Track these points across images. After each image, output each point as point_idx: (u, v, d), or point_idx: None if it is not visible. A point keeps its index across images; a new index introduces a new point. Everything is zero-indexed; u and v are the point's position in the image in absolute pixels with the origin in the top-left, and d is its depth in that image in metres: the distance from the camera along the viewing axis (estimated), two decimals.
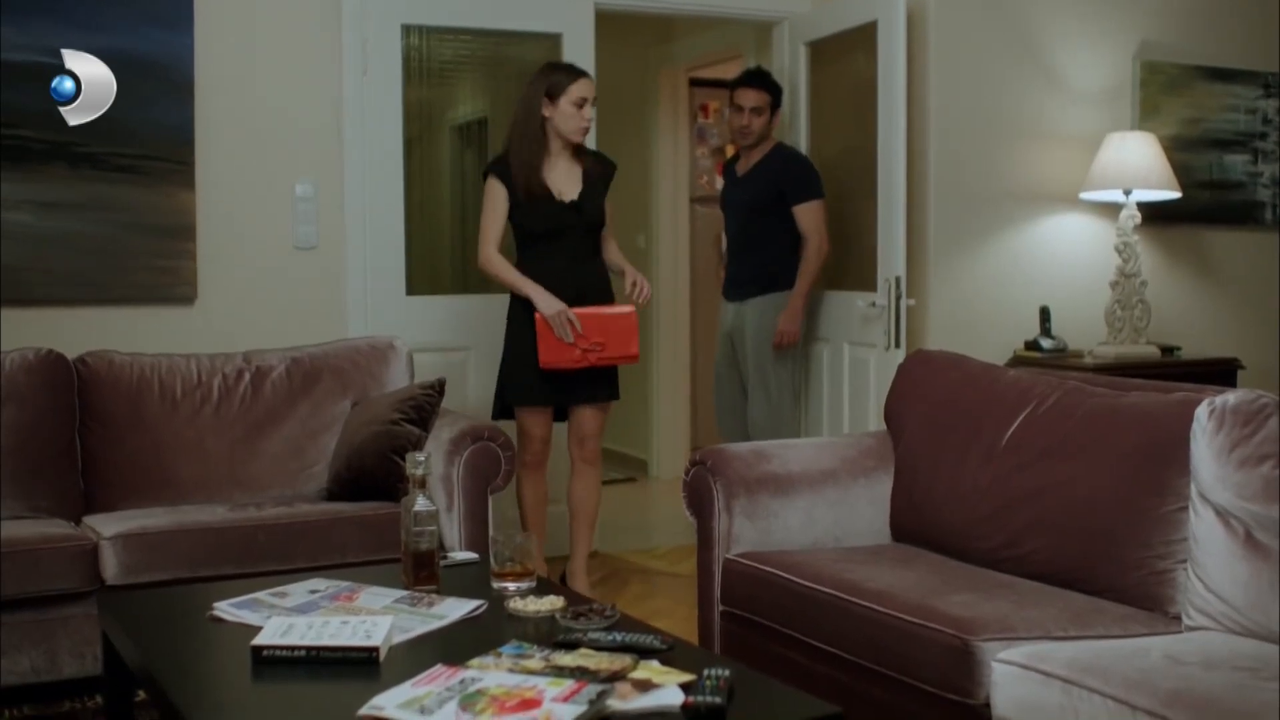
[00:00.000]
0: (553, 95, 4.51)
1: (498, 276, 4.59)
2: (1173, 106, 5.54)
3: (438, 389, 4.29)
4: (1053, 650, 2.63)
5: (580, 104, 4.53)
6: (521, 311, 4.57)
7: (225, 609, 2.74)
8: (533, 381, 4.59)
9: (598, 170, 4.67)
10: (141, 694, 2.98)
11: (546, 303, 4.46)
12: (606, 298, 4.66)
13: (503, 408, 4.71)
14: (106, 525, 3.85)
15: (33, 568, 3.62)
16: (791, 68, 5.64)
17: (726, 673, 2.22)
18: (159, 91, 4.58)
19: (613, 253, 4.74)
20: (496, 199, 4.56)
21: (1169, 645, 2.67)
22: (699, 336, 7.62)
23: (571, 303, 4.51)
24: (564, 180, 4.60)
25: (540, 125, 4.54)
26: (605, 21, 5.51)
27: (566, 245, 4.59)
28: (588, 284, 4.61)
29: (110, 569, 3.71)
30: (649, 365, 7.54)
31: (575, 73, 4.59)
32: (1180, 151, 5.42)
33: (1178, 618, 2.90)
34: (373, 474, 4.07)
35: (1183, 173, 5.27)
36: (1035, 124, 5.30)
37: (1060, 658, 2.57)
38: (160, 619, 2.85)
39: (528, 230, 4.59)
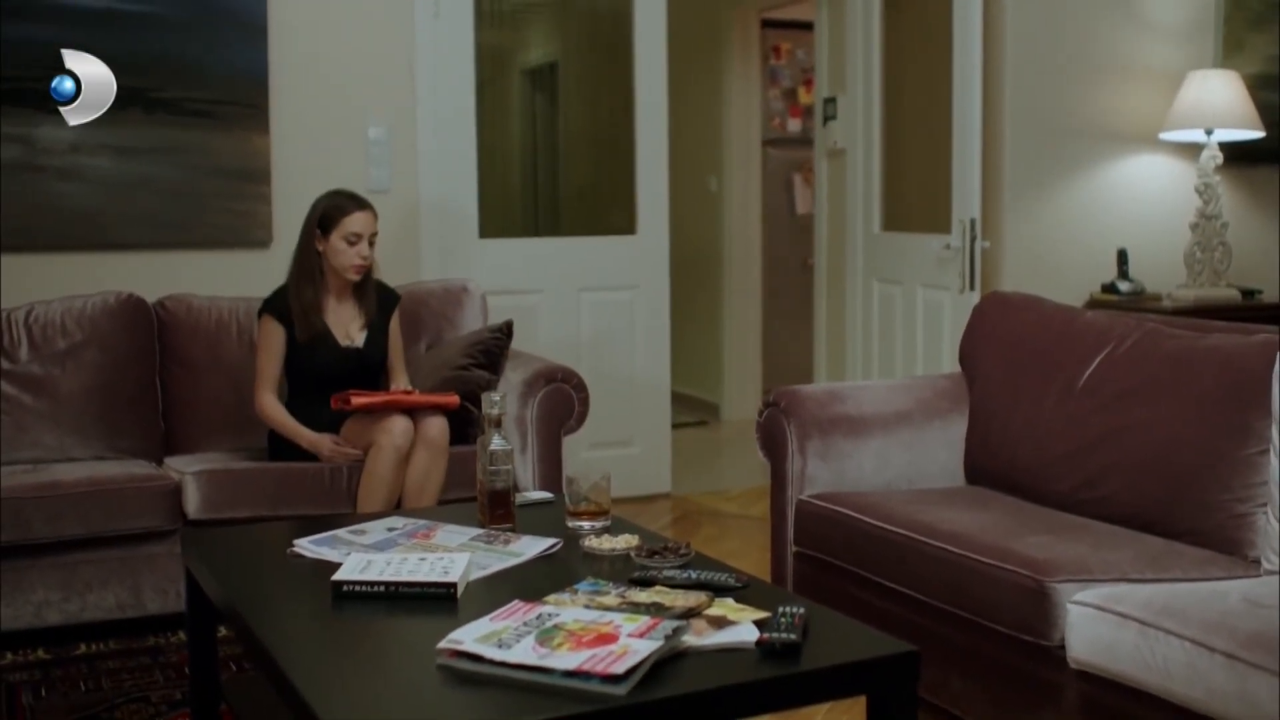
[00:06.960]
0: (325, 229, 4.01)
1: (277, 425, 4.01)
2: (1258, 43, 5.40)
3: (505, 332, 4.32)
4: (1129, 592, 2.61)
5: (353, 240, 4.00)
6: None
7: (305, 545, 2.78)
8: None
9: (381, 305, 4.16)
10: (223, 630, 3.04)
11: (318, 442, 3.95)
12: None
13: None
14: (188, 465, 3.94)
15: (118, 506, 3.71)
16: (865, 6, 5.56)
17: (802, 610, 2.22)
18: (233, 36, 4.61)
19: (400, 384, 4.10)
20: (273, 340, 4.02)
21: (1248, 588, 2.63)
22: (769, 278, 7.60)
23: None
24: (347, 320, 4.11)
25: (317, 260, 4.04)
26: None
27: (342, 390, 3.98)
28: None
29: (193, 503, 3.79)
30: (719, 307, 7.53)
31: (353, 205, 4.03)
32: (1264, 90, 5.28)
33: (1256, 562, 2.87)
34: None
35: (1267, 112, 5.15)
36: (1114, 60, 5.19)
37: (1136, 599, 2.55)
38: (241, 555, 2.91)
39: (304, 374, 4.07)
